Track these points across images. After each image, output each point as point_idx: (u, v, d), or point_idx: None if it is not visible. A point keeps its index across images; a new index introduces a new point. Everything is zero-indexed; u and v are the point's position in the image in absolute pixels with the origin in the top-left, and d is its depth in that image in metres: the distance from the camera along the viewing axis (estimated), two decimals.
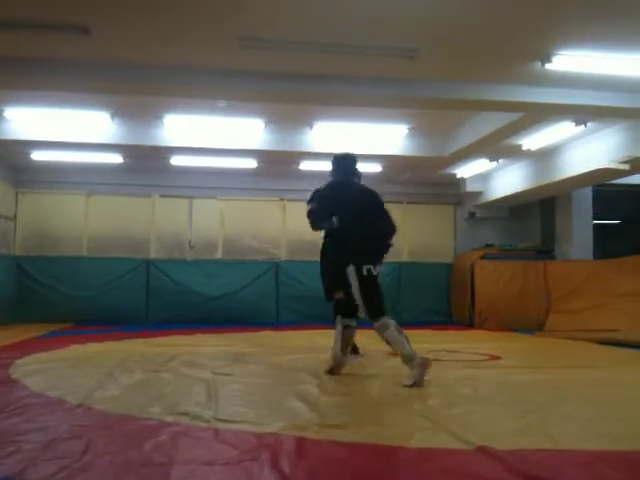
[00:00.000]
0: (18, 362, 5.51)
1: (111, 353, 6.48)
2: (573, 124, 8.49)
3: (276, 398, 4.07)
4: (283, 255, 11.93)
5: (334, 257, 5.41)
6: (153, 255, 11.76)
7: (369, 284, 4.94)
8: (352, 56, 6.20)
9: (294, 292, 11.38)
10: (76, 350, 6.69)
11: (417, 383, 4.50)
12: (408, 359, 4.68)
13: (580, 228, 11.58)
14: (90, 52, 6.31)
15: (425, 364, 4.62)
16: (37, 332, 8.78)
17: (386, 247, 5.43)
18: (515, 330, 10.10)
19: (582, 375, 5.44)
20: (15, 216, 11.45)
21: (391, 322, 5.00)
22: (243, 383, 4.67)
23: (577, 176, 9.61)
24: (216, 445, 2.86)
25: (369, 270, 4.93)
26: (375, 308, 4.99)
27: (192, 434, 3.06)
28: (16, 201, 11.50)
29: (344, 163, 5.63)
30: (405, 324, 11.33)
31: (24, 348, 6.73)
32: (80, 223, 11.62)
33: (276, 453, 2.69)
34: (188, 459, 2.63)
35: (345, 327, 5.50)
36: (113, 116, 9.02)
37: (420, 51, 6.07)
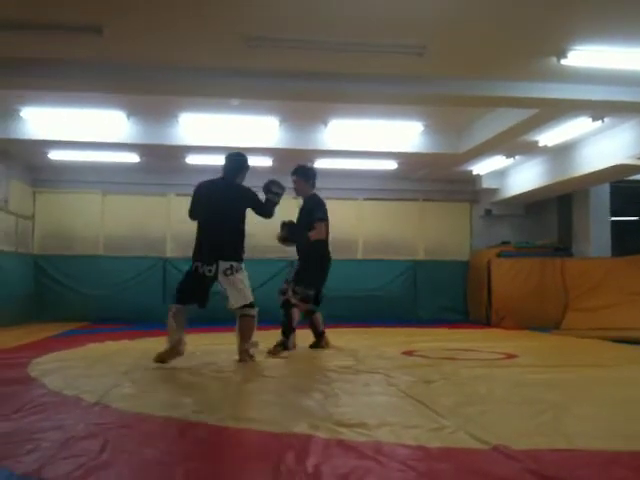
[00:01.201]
0: (36, 361, 5.56)
1: (128, 351, 6.53)
2: (590, 120, 8.41)
3: (289, 397, 4.07)
4: (294, 254, 11.90)
5: None
6: (169, 254, 11.81)
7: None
8: (363, 54, 6.18)
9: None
10: (93, 349, 6.75)
11: None
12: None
13: (598, 225, 11.48)
14: (104, 53, 6.35)
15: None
16: (54, 331, 8.85)
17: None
18: (532, 328, 10.03)
19: (599, 374, 5.39)
20: (33, 215, 11.56)
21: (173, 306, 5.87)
22: (258, 381, 4.68)
23: (594, 172, 9.53)
24: (231, 444, 2.87)
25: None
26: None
27: (207, 433, 3.07)
28: (34, 200, 11.61)
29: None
30: (421, 322, 11.41)
31: (42, 347, 6.79)
32: (97, 222, 11.70)
33: (292, 452, 2.69)
34: (203, 458, 2.64)
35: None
36: (129, 115, 9.07)
37: (428, 48, 6.03)
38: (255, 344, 5.79)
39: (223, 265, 5.57)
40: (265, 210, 5.90)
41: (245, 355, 5.65)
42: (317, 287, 6.72)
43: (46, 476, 2.33)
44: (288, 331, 6.50)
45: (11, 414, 3.38)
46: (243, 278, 5.70)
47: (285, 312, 6.62)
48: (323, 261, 6.79)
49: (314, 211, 6.65)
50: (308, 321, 6.87)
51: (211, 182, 6.25)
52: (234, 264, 5.62)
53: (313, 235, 6.54)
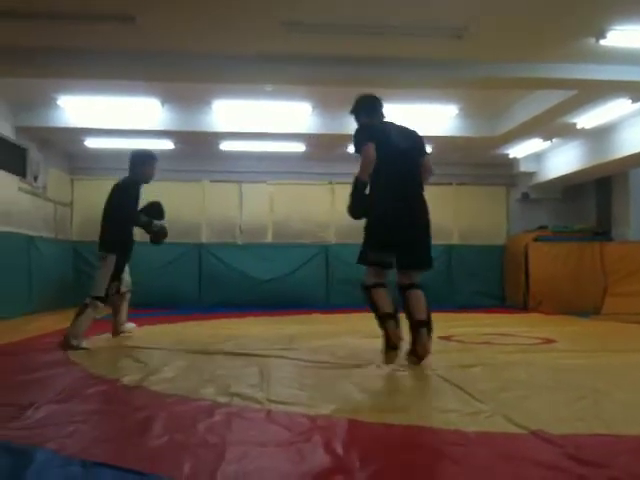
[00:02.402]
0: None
1: (165, 335, 6.62)
2: (629, 101, 8.22)
3: (327, 381, 4.08)
4: (332, 238, 11.93)
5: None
6: (204, 240, 11.92)
7: None
8: (399, 37, 6.13)
9: (344, 275, 11.38)
10: (131, 333, 6.83)
11: None
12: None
13: (637, 209, 11.23)
14: (137, 41, 6.41)
15: None
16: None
17: None
18: (570, 313, 9.89)
19: (638, 359, 5.29)
20: (71, 202, 11.75)
21: None
22: (294, 365, 4.70)
23: (634, 155, 9.32)
24: (269, 426, 2.89)
25: None
26: None
27: (245, 415, 3.10)
28: (72, 188, 11.79)
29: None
30: (456, 307, 11.34)
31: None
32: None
33: (328, 435, 2.70)
34: (241, 440, 2.67)
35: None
36: (163, 103, 9.14)
37: (469, 30, 5.95)
38: None
39: None
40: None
41: None
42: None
43: (88, 458, 2.37)
44: None
45: (53, 397, 3.45)
46: None
47: None
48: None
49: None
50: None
51: None
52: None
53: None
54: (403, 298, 4.66)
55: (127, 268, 6.28)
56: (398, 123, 4.97)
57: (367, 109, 5.01)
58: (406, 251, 4.64)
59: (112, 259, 5.85)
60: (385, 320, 4.61)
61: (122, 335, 6.33)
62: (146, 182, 6.58)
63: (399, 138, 4.76)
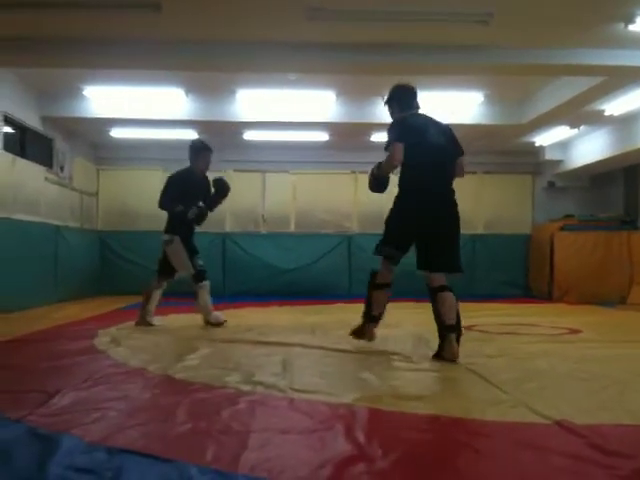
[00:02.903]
0: (102, 332, 5.73)
1: (190, 324, 6.66)
2: None
3: (349, 369, 4.09)
4: (355, 228, 11.91)
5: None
6: (228, 229, 11.97)
7: None
8: (424, 23, 6.08)
9: (366, 265, 11.34)
10: (157, 321, 6.90)
11: None
12: None
13: None
14: (162, 30, 6.43)
15: None
16: (119, 304, 9.11)
17: None
18: (596, 303, 9.78)
19: None
20: (97, 192, 11.86)
21: None
22: (317, 354, 4.71)
23: None
24: (291, 414, 2.91)
25: None
26: None
27: (268, 403, 3.12)
28: (97, 178, 11.90)
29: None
30: (480, 297, 11.27)
31: (108, 319, 7.01)
32: (158, 199, 11.87)
33: (350, 423, 2.71)
34: (265, 427, 2.68)
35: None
36: (187, 92, 9.17)
37: (495, 16, 5.87)
38: None
39: None
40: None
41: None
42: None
43: (113, 444, 2.41)
44: None
45: (79, 384, 3.49)
46: None
47: None
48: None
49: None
50: None
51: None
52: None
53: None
54: (432, 300, 4.58)
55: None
56: (430, 115, 4.90)
57: (401, 101, 4.90)
58: (432, 252, 4.52)
59: (177, 240, 6.32)
60: (370, 319, 4.84)
61: (151, 326, 6.39)
62: (202, 172, 6.71)
63: (436, 134, 4.69)
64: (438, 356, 4.43)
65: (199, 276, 6.47)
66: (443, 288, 4.52)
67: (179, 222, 6.36)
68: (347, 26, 6.18)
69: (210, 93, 9.33)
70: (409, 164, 4.54)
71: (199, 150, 6.63)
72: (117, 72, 8.02)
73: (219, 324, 6.38)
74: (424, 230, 4.50)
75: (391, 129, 4.69)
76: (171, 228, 6.43)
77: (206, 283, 6.55)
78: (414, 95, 4.92)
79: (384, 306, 4.85)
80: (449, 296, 4.51)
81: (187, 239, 6.44)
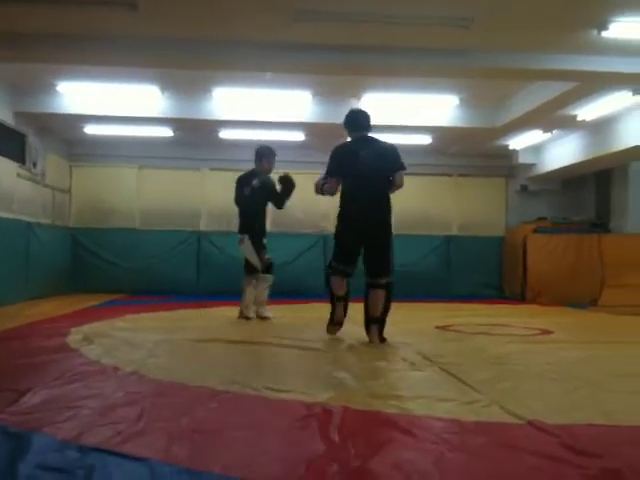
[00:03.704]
0: (74, 330, 5.67)
1: (163, 323, 6.62)
2: (630, 93, 8.19)
3: (324, 369, 4.09)
4: (331, 227, 11.87)
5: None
6: (203, 227, 11.92)
7: None
8: (404, 27, 6.11)
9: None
10: (130, 320, 6.85)
11: None
12: None
13: (636, 201, 11.20)
14: (138, 27, 6.37)
15: None
16: (91, 302, 9.02)
17: None
18: (568, 305, 9.92)
19: (636, 351, 5.32)
20: (69, 189, 11.73)
21: None
22: (292, 354, 4.70)
23: (634, 147, 9.30)
24: (265, 413, 2.91)
25: None
26: None
27: (242, 402, 3.11)
28: (70, 174, 11.77)
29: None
30: (455, 297, 11.37)
31: (80, 317, 6.92)
32: (132, 196, 11.83)
33: (324, 422, 2.71)
34: (238, 426, 2.68)
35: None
36: (163, 90, 9.10)
37: (475, 21, 5.92)
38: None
39: None
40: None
41: None
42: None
43: (85, 442, 2.38)
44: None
45: (51, 382, 3.45)
46: None
47: None
48: None
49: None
50: None
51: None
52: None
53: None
54: (365, 294, 5.38)
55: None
56: (379, 139, 5.66)
57: (349, 125, 5.77)
58: (366, 261, 5.42)
59: (246, 238, 6.92)
60: (337, 300, 5.51)
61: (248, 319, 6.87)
62: (266, 173, 7.31)
63: (368, 157, 5.42)
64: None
65: (265, 269, 6.94)
66: (374, 285, 5.32)
67: (248, 222, 6.98)
68: (327, 27, 6.18)
69: (186, 91, 9.27)
70: (342, 191, 5.53)
71: (264, 154, 7.20)
72: (92, 68, 7.92)
73: (265, 318, 6.85)
74: (354, 247, 5.45)
75: (329, 159, 5.65)
76: (241, 228, 7.02)
77: (268, 276, 6.98)
78: (359, 119, 5.74)
79: (345, 287, 5.53)
80: (378, 292, 5.30)
81: (257, 237, 6.95)
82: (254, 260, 6.94)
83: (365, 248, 5.40)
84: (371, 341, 5.25)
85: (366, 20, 5.97)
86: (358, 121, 5.72)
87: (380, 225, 5.43)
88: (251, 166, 11.97)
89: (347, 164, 5.48)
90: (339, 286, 5.50)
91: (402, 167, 5.58)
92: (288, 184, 7.17)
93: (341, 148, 5.67)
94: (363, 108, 6.04)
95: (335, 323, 5.56)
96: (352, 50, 6.72)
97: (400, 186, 5.59)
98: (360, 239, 5.40)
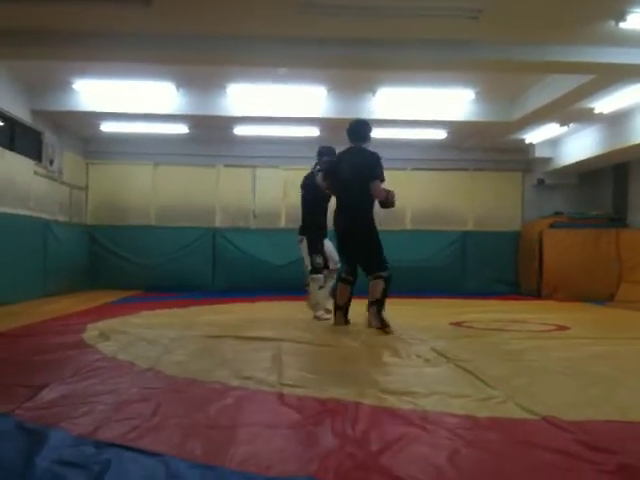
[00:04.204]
0: (91, 327, 5.71)
1: (178, 319, 6.65)
2: None
3: (338, 365, 4.09)
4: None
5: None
6: (218, 224, 11.96)
7: None
8: (415, 19, 6.07)
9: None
10: (145, 316, 6.89)
11: None
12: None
13: None
14: (153, 24, 6.39)
15: None
16: (108, 299, 9.08)
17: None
18: (585, 301, 9.84)
19: None
20: (86, 186, 11.82)
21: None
22: (306, 350, 4.71)
23: None
24: (280, 409, 2.91)
25: None
26: None
27: (257, 398, 3.12)
28: (87, 172, 11.85)
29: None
30: (470, 293, 11.31)
31: (96, 314, 6.98)
32: (148, 193, 11.89)
33: (338, 418, 2.71)
34: (253, 422, 2.69)
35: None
36: (178, 87, 9.12)
37: (484, 12, 5.87)
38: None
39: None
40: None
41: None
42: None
43: (101, 438, 2.40)
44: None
45: (67, 378, 3.48)
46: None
47: None
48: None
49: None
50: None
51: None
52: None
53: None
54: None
55: (329, 243, 7.14)
56: (365, 149, 6.05)
57: (348, 135, 6.19)
58: (358, 261, 6.03)
59: (303, 239, 6.99)
60: (337, 308, 6.11)
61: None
62: None
63: (347, 168, 5.94)
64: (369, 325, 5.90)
65: (311, 270, 6.92)
66: (374, 277, 5.88)
67: (305, 223, 7.06)
68: (338, 21, 6.16)
69: (201, 88, 9.29)
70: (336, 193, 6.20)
71: (322, 154, 7.02)
72: (107, 66, 7.96)
73: (319, 319, 6.68)
74: (347, 254, 6.11)
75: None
76: (300, 229, 7.10)
77: (316, 276, 6.89)
78: (350, 130, 6.16)
79: (348, 296, 6.13)
80: (376, 282, 5.85)
81: (315, 239, 6.96)
82: (306, 261, 6.98)
83: (354, 254, 6.02)
84: (370, 323, 5.87)
85: (375, 14, 5.94)
86: (349, 132, 6.16)
87: (357, 235, 5.92)
88: (268, 162, 12.07)
89: (332, 176, 6.13)
90: (341, 294, 6.07)
91: (376, 177, 5.80)
92: None
93: (333, 161, 6.29)
94: (363, 117, 6.65)
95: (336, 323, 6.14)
96: (362, 44, 6.70)
97: (378, 196, 5.86)
98: (347, 247, 6.05)
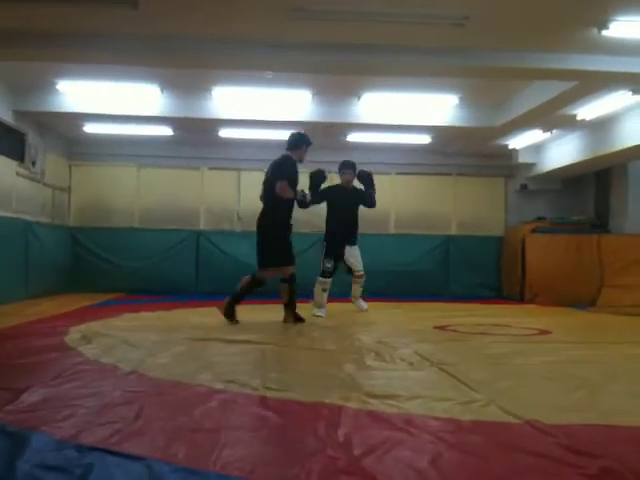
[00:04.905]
0: (73, 329, 5.67)
1: (162, 322, 6.63)
2: (630, 93, 8.18)
3: (322, 368, 4.10)
4: None
5: None
6: (202, 227, 11.92)
7: None
8: (401, 25, 6.09)
9: (341, 265, 11.38)
10: (129, 319, 6.85)
11: None
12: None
13: (636, 201, 11.20)
14: (139, 26, 6.36)
15: None
16: (90, 301, 9.02)
17: None
18: (567, 305, 9.92)
19: (635, 351, 5.31)
20: (69, 188, 11.73)
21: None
22: (290, 353, 4.72)
23: (634, 147, 9.29)
24: (264, 413, 2.91)
25: None
26: None
27: (240, 401, 3.11)
28: (70, 173, 11.76)
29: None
30: (453, 298, 11.36)
31: (79, 316, 6.93)
32: (132, 195, 11.82)
33: (322, 422, 2.71)
34: (236, 425, 2.68)
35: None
36: (163, 89, 9.09)
37: (470, 19, 5.92)
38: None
39: None
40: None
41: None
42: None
43: (83, 441, 2.39)
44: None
45: (49, 381, 3.46)
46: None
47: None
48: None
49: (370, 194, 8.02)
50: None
51: None
52: None
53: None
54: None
55: (353, 252, 7.89)
56: (283, 153, 6.71)
57: None
58: None
59: (323, 244, 7.85)
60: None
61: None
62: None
63: (266, 173, 6.71)
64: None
65: (320, 273, 7.72)
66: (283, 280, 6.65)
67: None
68: (324, 26, 6.18)
69: (186, 90, 9.26)
70: None
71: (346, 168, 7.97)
72: (92, 67, 7.91)
73: (314, 315, 7.31)
74: None
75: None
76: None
77: (322, 279, 7.71)
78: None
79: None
80: (283, 286, 6.63)
81: (328, 245, 7.87)
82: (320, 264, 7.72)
83: None
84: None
85: (360, 19, 5.96)
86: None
87: (257, 232, 6.66)
88: (253, 165, 12.02)
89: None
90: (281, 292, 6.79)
91: (277, 178, 6.39)
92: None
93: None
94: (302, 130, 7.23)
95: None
96: (348, 49, 6.71)
97: (279, 195, 6.37)
98: None
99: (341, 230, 7.73)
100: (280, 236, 6.49)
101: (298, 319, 6.60)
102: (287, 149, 6.69)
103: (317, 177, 7.40)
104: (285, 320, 6.59)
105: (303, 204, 6.75)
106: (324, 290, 7.54)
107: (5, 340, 5.10)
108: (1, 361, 4.15)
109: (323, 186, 7.63)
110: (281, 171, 6.36)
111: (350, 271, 7.84)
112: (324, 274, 7.59)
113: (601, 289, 10.32)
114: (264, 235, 6.57)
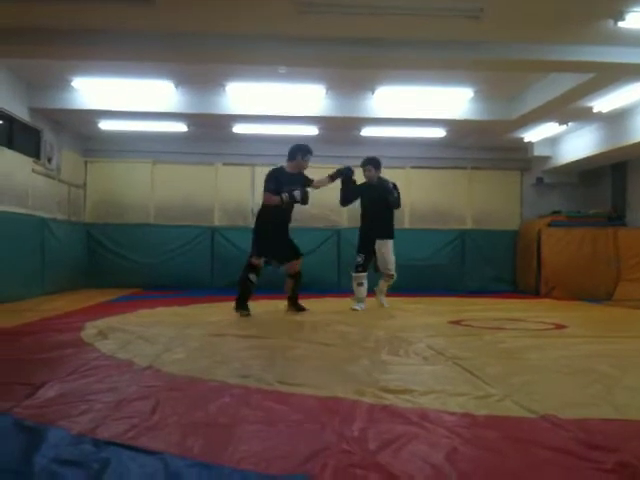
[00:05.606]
0: (89, 325, 5.71)
1: (177, 317, 6.65)
2: None
3: (337, 363, 4.09)
4: (344, 222, 11.90)
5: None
6: (217, 223, 11.95)
7: None
8: (415, 18, 6.07)
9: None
10: (144, 314, 6.89)
11: None
12: None
13: None
14: (154, 22, 6.39)
15: None
16: (106, 297, 9.08)
17: None
18: (583, 299, 9.85)
19: None
20: (84, 184, 11.80)
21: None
22: (304, 348, 4.71)
23: None
24: (279, 407, 2.91)
25: None
26: None
27: (256, 396, 3.11)
28: (85, 170, 11.84)
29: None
30: (468, 292, 11.31)
31: (95, 312, 6.97)
32: (147, 191, 11.88)
33: (337, 416, 2.72)
34: (251, 420, 2.69)
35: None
36: (177, 85, 9.12)
37: (485, 11, 5.88)
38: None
39: None
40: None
41: None
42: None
43: (99, 436, 2.40)
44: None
45: (65, 376, 3.48)
46: None
47: None
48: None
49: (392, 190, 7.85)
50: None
51: None
52: None
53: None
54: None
55: (383, 247, 7.82)
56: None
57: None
58: None
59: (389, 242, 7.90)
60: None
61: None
62: (369, 179, 7.97)
63: None
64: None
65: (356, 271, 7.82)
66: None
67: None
68: (337, 20, 6.17)
69: (200, 86, 9.29)
70: None
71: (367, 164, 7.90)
72: (106, 64, 7.96)
73: (352, 309, 7.64)
74: None
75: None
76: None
77: (355, 274, 7.81)
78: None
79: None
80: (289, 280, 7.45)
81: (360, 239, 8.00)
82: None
83: None
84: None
85: (374, 13, 5.95)
86: None
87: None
88: (267, 160, 12.05)
89: None
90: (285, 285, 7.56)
91: (264, 189, 7.05)
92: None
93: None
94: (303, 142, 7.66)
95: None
96: (361, 43, 6.71)
97: (265, 200, 7.05)
98: None
99: (370, 225, 7.83)
100: (262, 229, 7.06)
101: (300, 309, 7.33)
102: (287, 159, 7.33)
103: (344, 176, 7.63)
104: (287, 310, 7.39)
105: (300, 202, 7.12)
106: (359, 284, 7.70)
107: (22, 336, 5.14)
108: (18, 357, 4.18)
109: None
110: (266, 183, 7.05)
111: (377, 269, 7.93)
112: (357, 269, 7.75)
113: (617, 283, 10.25)
114: (256, 228, 7.26)
